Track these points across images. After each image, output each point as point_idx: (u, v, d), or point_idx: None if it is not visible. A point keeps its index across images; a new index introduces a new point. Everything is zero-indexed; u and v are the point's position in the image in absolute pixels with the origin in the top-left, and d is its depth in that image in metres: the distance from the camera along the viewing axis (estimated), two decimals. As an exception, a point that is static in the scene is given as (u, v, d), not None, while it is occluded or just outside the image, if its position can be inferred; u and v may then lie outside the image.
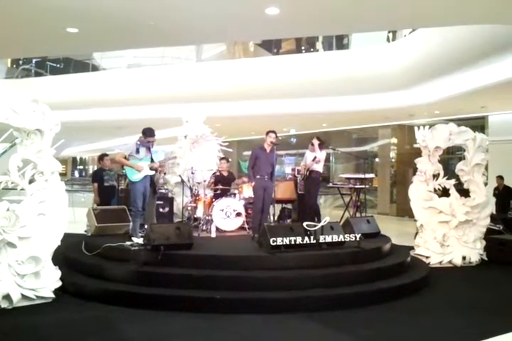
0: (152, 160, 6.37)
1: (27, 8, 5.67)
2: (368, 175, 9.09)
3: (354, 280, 5.22)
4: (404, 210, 13.87)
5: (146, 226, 6.02)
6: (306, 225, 5.62)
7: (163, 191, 7.99)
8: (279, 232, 5.49)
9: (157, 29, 6.38)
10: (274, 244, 5.30)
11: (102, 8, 5.62)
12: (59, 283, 4.87)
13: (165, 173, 8.14)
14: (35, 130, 4.80)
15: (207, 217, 7.29)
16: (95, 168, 12.91)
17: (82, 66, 16.31)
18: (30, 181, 4.84)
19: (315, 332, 4.17)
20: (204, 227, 7.22)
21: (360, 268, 5.45)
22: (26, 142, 4.82)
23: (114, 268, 5.36)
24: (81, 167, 45.25)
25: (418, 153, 7.51)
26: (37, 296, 4.70)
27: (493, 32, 7.04)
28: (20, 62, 17.96)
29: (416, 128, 7.39)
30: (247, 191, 7.42)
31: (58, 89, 13.48)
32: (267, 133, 6.69)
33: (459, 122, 9.44)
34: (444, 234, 6.99)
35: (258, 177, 6.54)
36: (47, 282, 4.77)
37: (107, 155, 8.38)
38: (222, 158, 8.47)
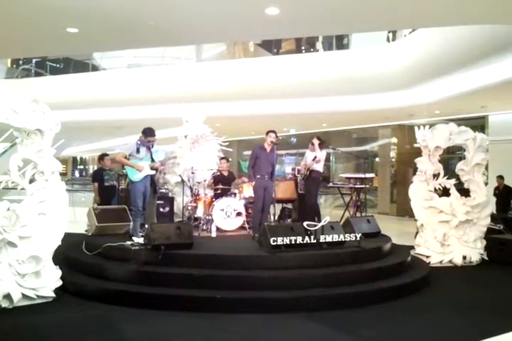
0: (153, 160, 6.38)
1: (27, 8, 5.67)
2: (368, 175, 9.09)
3: (354, 279, 5.22)
4: (404, 210, 13.88)
5: (146, 226, 6.02)
6: (307, 225, 5.62)
7: (164, 191, 7.99)
8: (280, 232, 5.49)
9: (157, 29, 6.38)
10: (275, 243, 5.30)
11: (102, 8, 5.63)
12: (59, 283, 4.88)
13: (165, 173, 8.14)
14: (36, 130, 4.81)
15: (207, 217, 7.30)
16: (95, 168, 12.90)
17: (82, 66, 16.31)
18: (31, 181, 4.84)
19: (315, 332, 4.17)
20: (204, 227, 7.22)
21: (360, 268, 5.45)
22: (26, 142, 4.82)
23: (115, 267, 5.36)
24: (81, 167, 45.26)
25: (418, 152, 7.52)
26: (37, 296, 4.71)
27: (493, 32, 7.05)
28: (20, 62, 17.97)
29: (416, 128, 7.39)
30: (248, 191, 7.42)
31: (58, 89, 13.49)
32: (267, 132, 6.69)
33: (459, 122, 9.45)
34: (445, 233, 6.99)
35: (258, 176, 6.54)
36: (47, 281, 4.77)
37: (107, 155, 8.38)
38: (222, 158, 8.47)
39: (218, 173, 8.06)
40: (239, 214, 7.24)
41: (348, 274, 5.28)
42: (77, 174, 43.70)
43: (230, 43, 14.50)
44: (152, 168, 6.28)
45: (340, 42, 12.90)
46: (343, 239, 5.73)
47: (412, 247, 7.13)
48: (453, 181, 7.30)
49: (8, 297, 4.54)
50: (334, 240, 5.67)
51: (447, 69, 9.17)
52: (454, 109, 11.97)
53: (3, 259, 4.57)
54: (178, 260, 5.30)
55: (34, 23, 6.28)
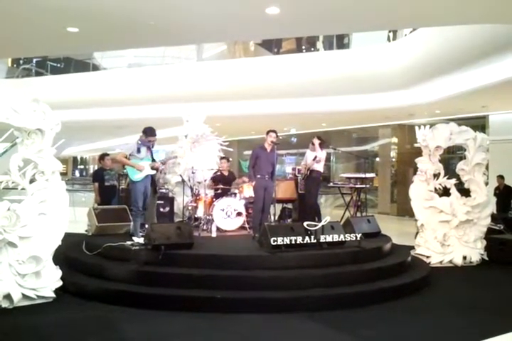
0: (153, 160, 6.38)
1: (27, 8, 5.67)
2: (368, 175, 9.08)
3: (355, 279, 5.22)
4: (404, 210, 13.88)
5: (146, 226, 6.02)
6: (307, 225, 5.62)
7: (164, 191, 7.99)
8: (280, 232, 5.49)
9: (157, 29, 6.38)
10: (275, 243, 5.30)
11: (102, 8, 5.63)
12: (60, 283, 4.87)
13: (165, 173, 8.14)
14: (36, 129, 4.81)
15: (207, 217, 7.30)
16: (96, 168, 12.90)
17: (82, 66, 16.31)
18: (31, 181, 4.84)
19: (315, 332, 4.17)
20: (205, 227, 7.22)
21: (360, 268, 5.44)
22: (27, 142, 4.82)
23: (115, 267, 5.36)
24: (82, 166, 45.27)
25: (419, 152, 7.51)
26: (37, 296, 4.71)
27: (493, 31, 7.04)
28: (21, 61, 17.98)
29: (416, 127, 7.40)
30: (248, 191, 7.41)
31: (59, 88, 13.50)
32: (268, 132, 6.68)
33: (460, 122, 9.46)
34: (445, 233, 6.99)
35: (259, 176, 6.54)
36: (47, 281, 4.77)
37: (107, 154, 8.38)
38: (222, 158, 8.47)
39: (218, 173, 8.06)
40: (239, 214, 7.23)
41: (348, 274, 5.28)
42: (77, 174, 43.71)
43: (231, 43, 14.50)
44: (153, 168, 6.29)
45: (340, 41, 12.89)
46: (344, 239, 5.73)
47: (413, 247, 7.12)
48: (453, 181, 7.30)
49: (8, 297, 4.54)
50: (334, 240, 5.67)
51: (448, 68, 9.17)
52: (455, 109, 11.97)
53: (4, 259, 4.57)
54: (179, 260, 5.30)
55: (34, 23, 6.28)
